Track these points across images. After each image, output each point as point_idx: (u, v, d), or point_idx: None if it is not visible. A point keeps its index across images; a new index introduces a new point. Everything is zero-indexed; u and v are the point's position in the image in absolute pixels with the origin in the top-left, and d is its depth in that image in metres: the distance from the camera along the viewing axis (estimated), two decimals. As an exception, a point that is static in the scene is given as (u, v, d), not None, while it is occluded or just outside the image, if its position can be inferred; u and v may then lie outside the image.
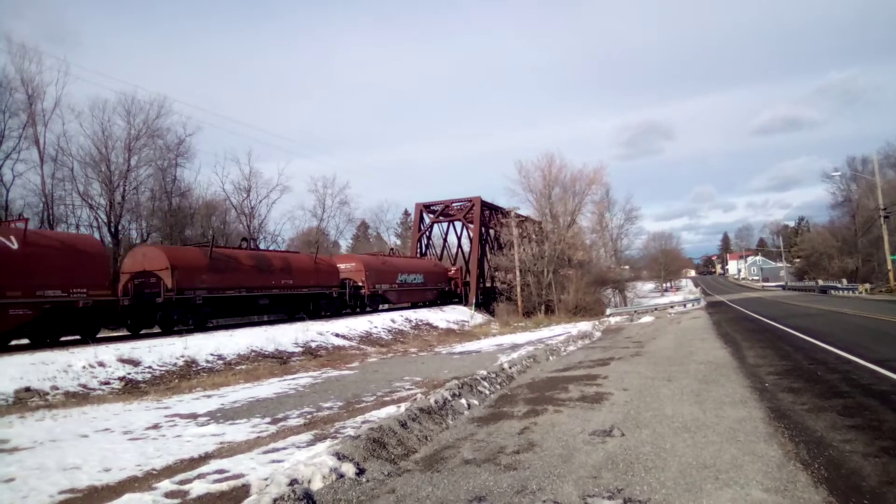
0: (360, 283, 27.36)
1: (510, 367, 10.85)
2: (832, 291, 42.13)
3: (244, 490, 4.62)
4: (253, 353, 15.48)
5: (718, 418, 6.05)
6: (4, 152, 29.76)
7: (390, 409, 7.42)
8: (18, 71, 29.90)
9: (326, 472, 4.51)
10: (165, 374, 12.74)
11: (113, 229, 33.02)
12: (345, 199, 55.31)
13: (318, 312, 23.98)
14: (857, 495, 3.77)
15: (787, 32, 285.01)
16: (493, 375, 9.63)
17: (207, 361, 14.16)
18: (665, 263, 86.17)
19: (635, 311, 32.02)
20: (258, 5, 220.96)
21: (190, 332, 17.29)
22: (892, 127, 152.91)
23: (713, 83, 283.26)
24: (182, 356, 13.89)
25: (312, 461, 4.67)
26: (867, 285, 39.29)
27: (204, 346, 14.93)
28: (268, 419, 7.88)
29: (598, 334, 20.16)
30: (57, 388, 10.61)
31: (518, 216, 38.33)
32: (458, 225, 42.94)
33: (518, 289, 35.73)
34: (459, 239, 44.50)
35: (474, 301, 36.47)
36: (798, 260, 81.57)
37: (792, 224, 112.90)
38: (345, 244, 60.90)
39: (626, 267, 62.29)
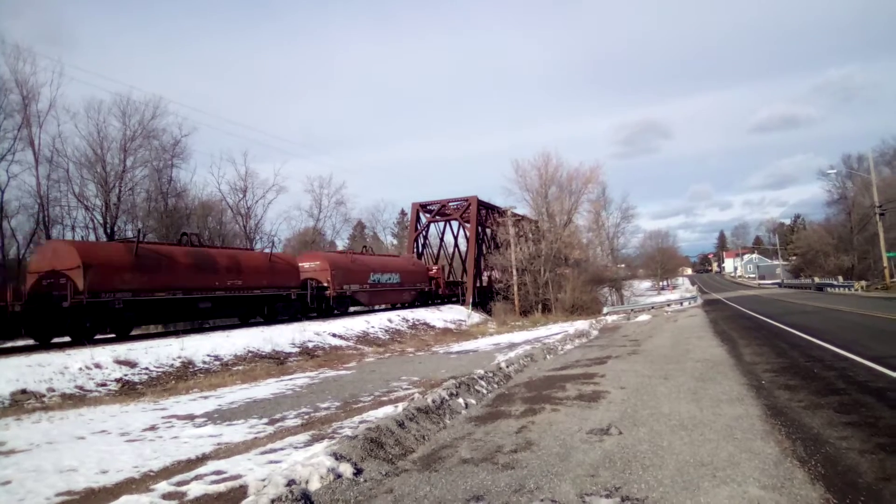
0: (326, 284, 25.04)
1: (507, 367, 10.85)
2: (828, 289, 42.30)
3: (242, 491, 4.61)
4: (250, 354, 15.46)
5: (715, 416, 6.07)
6: (-1, 154, 29.66)
7: (388, 409, 7.42)
8: (13, 72, 29.82)
9: (324, 472, 4.50)
10: (162, 375, 12.71)
11: (109, 230, 32.95)
12: (341, 199, 55.27)
13: (274, 317, 21.81)
14: (854, 492, 3.79)
15: (785, 30, 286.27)
16: (491, 375, 9.63)
17: (204, 362, 14.14)
18: (662, 262, 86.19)
19: (632, 310, 32.06)
20: (256, 5, 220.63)
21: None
22: (887, 124, 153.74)
23: (711, 81, 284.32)
24: (179, 357, 13.87)
25: (310, 462, 4.66)
26: (863, 283, 39.47)
27: (201, 346, 14.91)
28: (265, 420, 7.87)
29: (594, 333, 20.18)
30: (53, 390, 10.57)
31: (515, 215, 38.35)
32: (455, 224, 43.01)
33: (515, 288, 35.75)
34: (456, 238, 44.61)
35: (471, 300, 36.49)
36: (794, 258, 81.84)
37: (788, 222, 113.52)
38: (341, 244, 60.75)
39: (623, 265, 62.41)
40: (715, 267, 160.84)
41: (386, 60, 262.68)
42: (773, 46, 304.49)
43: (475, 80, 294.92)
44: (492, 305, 36.76)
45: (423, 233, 42.87)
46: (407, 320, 25.98)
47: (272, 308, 21.92)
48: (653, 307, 33.40)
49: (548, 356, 13.33)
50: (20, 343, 15.54)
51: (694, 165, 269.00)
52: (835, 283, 44.70)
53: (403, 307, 30.86)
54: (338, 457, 4.81)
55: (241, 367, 14.18)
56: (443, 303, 34.55)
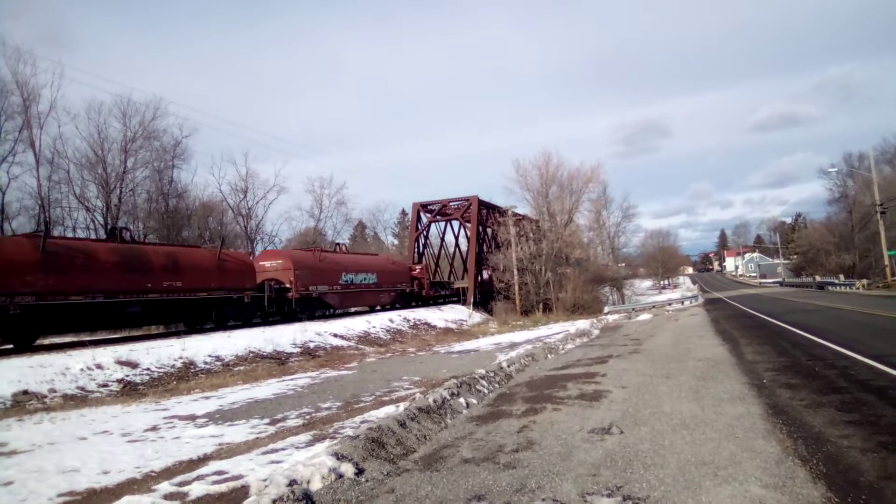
0: (288, 285, 22.76)
1: (509, 366, 10.85)
2: (829, 287, 42.23)
3: (243, 491, 4.62)
4: (251, 354, 15.47)
5: (717, 415, 6.07)
6: (0, 155, 29.72)
7: (389, 409, 7.42)
8: (13, 74, 29.89)
9: (325, 472, 4.51)
10: (163, 375, 12.72)
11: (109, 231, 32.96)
12: (342, 200, 55.39)
13: (224, 322, 19.62)
14: (856, 490, 3.79)
15: (785, 28, 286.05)
16: (492, 374, 9.63)
17: (205, 363, 14.15)
18: (663, 261, 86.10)
19: (633, 309, 32.07)
20: (256, 5, 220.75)
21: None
22: (888, 122, 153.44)
23: (711, 80, 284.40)
24: (180, 358, 13.87)
25: (311, 462, 4.67)
26: (864, 281, 39.40)
27: (202, 347, 14.92)
28: (266, 420, 7.88)
29: (596, 332, 20.17)
30: (55, 391, 10.58)
31: (515, 215, 38.31)
32: (456, 224, 42.99)
33: (516, 287, 35.73)
34: (457, 238, 44.60)
35: (472, 300, 36.49)
36: (795, 256, 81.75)
37: (789, 220, 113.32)
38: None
39: (624, 265, 62.34)
40: (716, 266, 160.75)
41: (386, 61, 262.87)
42: (772, 45, 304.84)
43: (475, 80, 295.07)
44: (493, 305, 36.76)
45: (424, 233, 42.87)
46: (408, 320, 26.00)
47: (221, 313, 19.67)
48: (654, 306, 33.41)
49: (549, 355, 13.33)
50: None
51: (694, 164, 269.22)
52: (836, 281, 44.62)
53: (384, 309, 29.14)
54: (339, 457, 4.81)
55: (242, 368, 14.19)
56: (430, 304, 33.85)
